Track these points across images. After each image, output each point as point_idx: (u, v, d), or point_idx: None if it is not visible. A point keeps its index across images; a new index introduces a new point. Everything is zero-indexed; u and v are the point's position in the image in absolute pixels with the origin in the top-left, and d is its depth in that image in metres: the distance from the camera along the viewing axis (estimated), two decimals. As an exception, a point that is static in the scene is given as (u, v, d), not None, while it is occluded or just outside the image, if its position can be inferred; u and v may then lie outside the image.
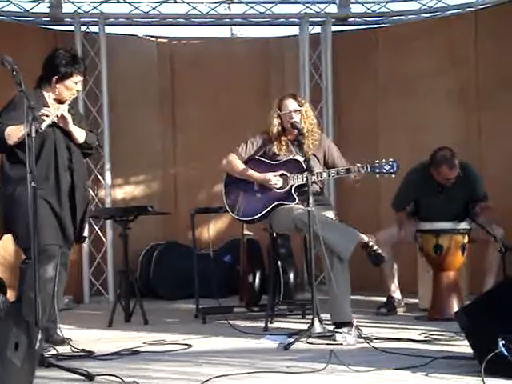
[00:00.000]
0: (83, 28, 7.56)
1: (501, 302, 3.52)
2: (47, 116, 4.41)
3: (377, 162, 4.94)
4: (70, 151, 4.66)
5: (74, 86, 4.70)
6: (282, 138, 5.18)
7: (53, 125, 4.52)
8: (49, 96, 4.69)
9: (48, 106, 4.57)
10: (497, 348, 3.36)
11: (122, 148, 7.60)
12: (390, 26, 7.96)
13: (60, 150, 4.60)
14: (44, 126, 4.34)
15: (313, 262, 4.71)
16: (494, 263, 5.74)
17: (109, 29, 7.69)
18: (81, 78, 4.74)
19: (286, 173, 5.09)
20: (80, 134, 4.68)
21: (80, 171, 4.73)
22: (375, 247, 4.94)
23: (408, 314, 5.83)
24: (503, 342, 3.36)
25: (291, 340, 4.48)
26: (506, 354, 3.35)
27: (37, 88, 4.70)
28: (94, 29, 7.59)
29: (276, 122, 5.17)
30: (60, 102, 4.68)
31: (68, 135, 4.64)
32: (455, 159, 5.66)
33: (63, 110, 4.56)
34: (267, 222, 5.17)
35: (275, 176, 5.08)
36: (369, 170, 4.92)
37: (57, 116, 4.51)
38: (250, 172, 5.16)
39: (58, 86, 4.67)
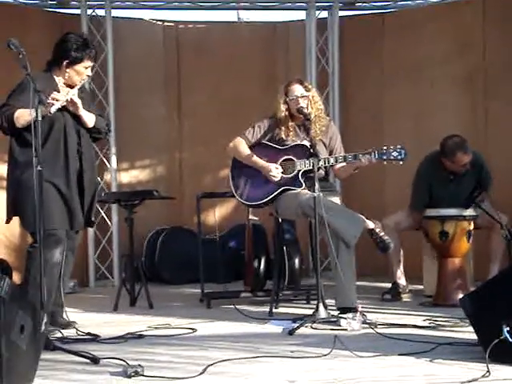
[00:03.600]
0: (89, 11, 7.52)
1: (506, 288, 3.52)
2: (57, 100, 4.41)
3: (384, 148, 4.91)
4: (80, 135, 4.66)
5: (84, 70, 4.69)
6: (290, 124, 5.17)
7: (62, 109, 4.52)
8: (59, 80, 4.68)
9: (59, 90, 4.57)
10: (501, 334, 3.37)
11: (127, 132, 7.59)
12: (397, 11, 7.90)
13: (69, 134, 4.60)
14: (53, 110, 4.36)
15: (318, 247, 4.72)
16: (499, 250, 5.74)
17: (115, 12, 7.65)
18: (91, 64, 4.74)
19: (293, 158, 5.08)
20: (90, 119, 4.68)
21: (88, 155, 4.73)
22: (381, 234, 4.94)
23: (413, 300, 5.83)
24: (508, 328, 3.36)
25: (296, 325, 4.49)
26: (511, 340, 3.35)
27: (47, 71, 4.70)
28: (101, 12, 7.56)
29: (283, 107, 5.16)
30: (70, 86, 4.68)
31: (77, 119, 4.64)
32: (467, 144, 5.65)
33: (73, 94, 4.56)
34: (273, 207, 5.17)
35: (277, 169, 5.06)
36: (376, 156, 4.89)
37: (66, 100, 4.50)
38: (254, 158, 5.15)
39: (68, 70, 4.66)
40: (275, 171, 5.06)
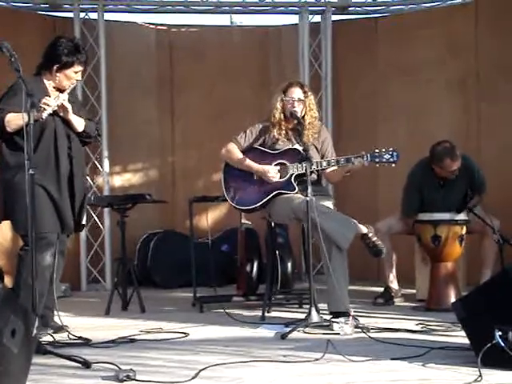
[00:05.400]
0: (82, 15, 7.53)
1: (498, 293, 3.52)
2: (48, 106, 4.40)
3: (376, 151, 4.92)
4: (70, 139, 4.65)
5: (74, 75, 4.67)
6: (283, 124, 5.17)
7: (52, 113, 4.51)
8: (49, 84, 4.67)
9: (49, 95, 4.56)
10: (493, 339, 3.37)
11: (120, 135, 7.59)
12: (390, 16, 7.94)
13: (60, 138, 4.59)
14: (45, 115, 4.35)
15: (310, 251, 4.71)
16: (491, 254, 5.75)
17: (108, 16, 7.68)
18: (81, 68, 4.72)
19: (285, 162, 5.08)
20: (79, 123, 4.67)
21: (79, 159, 4.73)
22: (374, 238, 4.94)
23: (405, 304, 5.84)
24: (500, 332, 3.36)
25: (288, 329, 4.49)
26: (503, 344, 3.35)
27: (37, 75, 4.68)
28: (93, 16, 7.56)
29: (279, 105, 5.15)
30: (59, 90, 4.67)
31: (67, 123, 4.63)
32: (456, 150, 5.66)
33: (63, 99, 4.55)
34: (266, 211, 5.16)
35: (273, 169, 5.06)
36: (369, 159, 4.90)
37: (57, 105, 4.49)
38: (248, 162, 5.14)
39: (58, 74, 4.65)
40: (273, 172, 5.06)
